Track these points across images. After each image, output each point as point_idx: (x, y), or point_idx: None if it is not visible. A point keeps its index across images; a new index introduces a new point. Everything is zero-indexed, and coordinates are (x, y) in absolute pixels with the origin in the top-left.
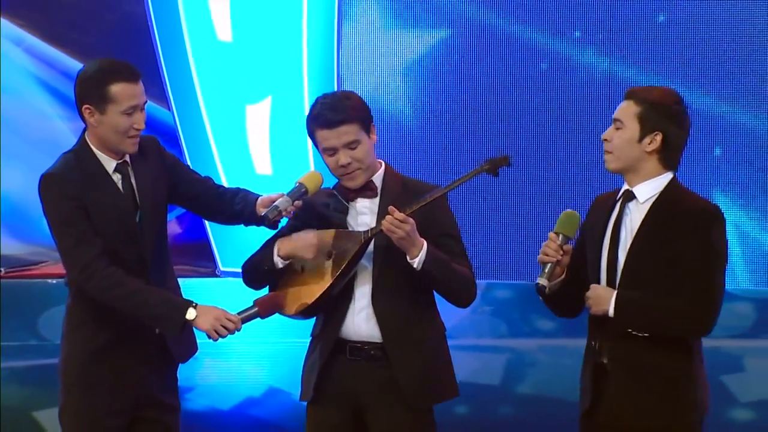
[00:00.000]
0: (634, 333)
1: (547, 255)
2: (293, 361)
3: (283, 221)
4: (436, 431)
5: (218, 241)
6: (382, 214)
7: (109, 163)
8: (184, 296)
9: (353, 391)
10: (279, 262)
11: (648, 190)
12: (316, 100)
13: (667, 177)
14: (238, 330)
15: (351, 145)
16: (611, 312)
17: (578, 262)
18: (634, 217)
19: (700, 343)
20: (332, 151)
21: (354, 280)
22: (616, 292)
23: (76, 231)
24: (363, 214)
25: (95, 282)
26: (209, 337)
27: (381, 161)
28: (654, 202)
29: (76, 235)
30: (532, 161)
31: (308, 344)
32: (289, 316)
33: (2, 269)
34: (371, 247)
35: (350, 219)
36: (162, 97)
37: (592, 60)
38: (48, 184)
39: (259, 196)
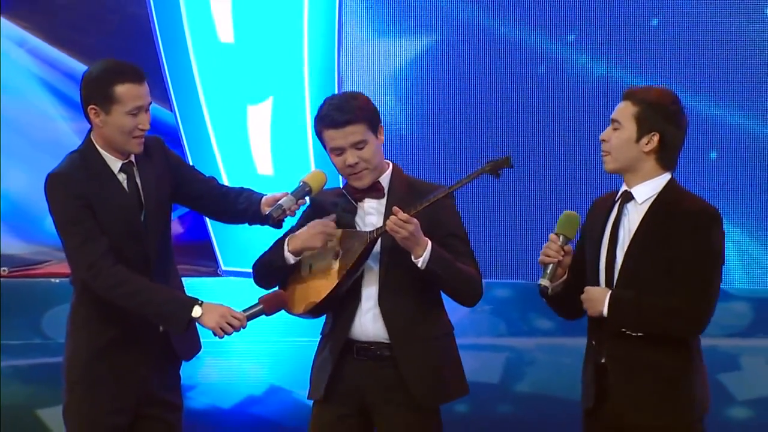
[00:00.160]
0: (629, 333)
1: (549, 256)
2: (294, 359)
3: (287, 220)
4: (442, 430)
5: (220, 240)
6: (388, 214)
7: (115, 163)
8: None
9: (360, 391)
10: (290, 258)
11: (646, 190)
12: (324, 101)
13: (665, 178)
14: (244, 327)
15: (358, 145)
16: (605, 312)
17: (579, 264)
18: (633, 217)
19: (699, 342)
20: (340, 151)
21: (361, 281)
22: (609, 292)
23: (83, 229)
24: (370, 215)
25: (102, 280)
26: (215, 334)
27: (389, 162)
28: (652, 203)
29: (82, 234)
30: (531, 161)
31: (318, 343)
32: (297, 315)
33: (6, 269)
34: (377, 247)
35: (358, 219)
36: (164, 98)
37: (588, 63)
38: (54, 184)
39: (263, 195)
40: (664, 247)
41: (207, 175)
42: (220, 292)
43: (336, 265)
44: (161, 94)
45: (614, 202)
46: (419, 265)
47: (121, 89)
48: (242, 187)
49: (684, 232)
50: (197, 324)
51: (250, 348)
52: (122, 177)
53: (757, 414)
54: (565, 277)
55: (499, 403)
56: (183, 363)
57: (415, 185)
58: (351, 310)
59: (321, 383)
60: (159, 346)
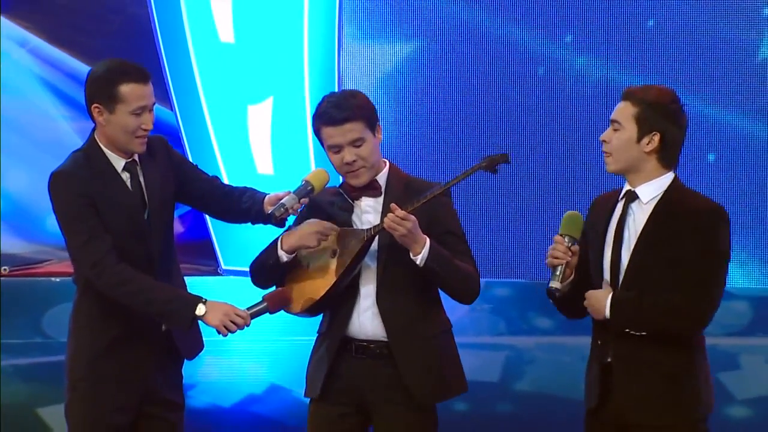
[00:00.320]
0: (632, 333)
1: (557, 258)
2: (294, 358)
3: (290, 219)
4: (437, 428)
5: (220, 239)
6: (385, 212)
7: (118, 162)
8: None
9: (358, 389)
10: (284, 256)
11: (651, 190)
12: (323, 98)
13: (669, 177)
14: (248, 325)
15: (356, 143)
16: (607, 314)
17: (585, 263)
18: (638, 217)
19: (703, 341)
20: (337, 149)
21: (359, 279)
22: (610, 295)
23: (86, 228)
24: (367, 213)
25: (105, 278)
26: (218, 332)
27: (386, 160)
28: (658, 203)
29: (86, 232)
30: (531, 161)
31: (314, 341)
32: (295, 314)
33: (6, 268)
34: (375, 245)
35: (355, 217)
36: (165, 98)
37: (586, 63)
38: (58, 182)
39: (266, 194)
40: (672, 246)
41: (210, 175)
42: (220, 291)
43: (333, 263)
44: (162, 93)
45: (617, 202)
46: (418, 262)
47: (126, 89)
48: (245, 187)
49: (691, 230)
50: (200, 322)
51: (250, 347)
52: (126, 176)
53: (756, 413)
54: (572, 277)
55: (498, 401)
56: (184, 362)
57: (412, 183)
58: (348, 308)
59: (317, 381)
60: (162, 345)
